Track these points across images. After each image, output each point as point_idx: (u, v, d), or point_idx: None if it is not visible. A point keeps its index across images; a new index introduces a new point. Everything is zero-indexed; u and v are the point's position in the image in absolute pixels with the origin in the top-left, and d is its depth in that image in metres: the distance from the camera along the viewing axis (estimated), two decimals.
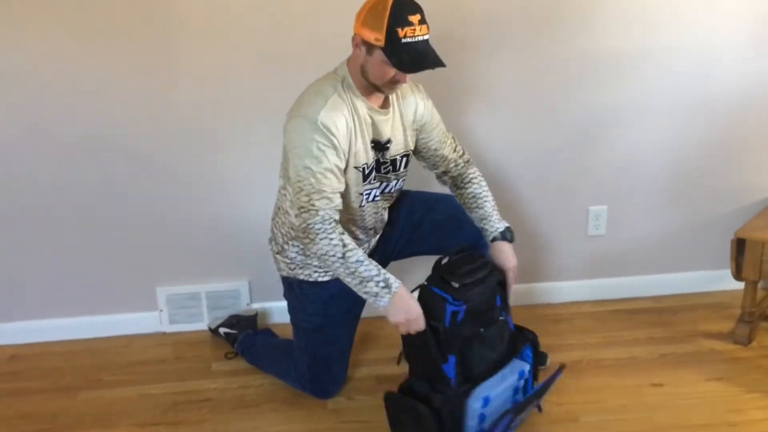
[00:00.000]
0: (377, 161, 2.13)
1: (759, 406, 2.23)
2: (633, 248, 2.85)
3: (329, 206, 1.99)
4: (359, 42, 1.96)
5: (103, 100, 2.48)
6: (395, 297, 1.97)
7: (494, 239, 2.22)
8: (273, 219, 2.30)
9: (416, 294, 2.05)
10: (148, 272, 2.71)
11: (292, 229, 2.16)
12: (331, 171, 1.99)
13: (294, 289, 2.28)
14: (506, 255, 2.21)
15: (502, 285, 2.17)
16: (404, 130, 2.18)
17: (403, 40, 1.89)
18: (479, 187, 2.27)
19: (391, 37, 1.89)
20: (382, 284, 1.97)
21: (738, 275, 2.54)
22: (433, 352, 2.00)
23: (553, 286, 2.87)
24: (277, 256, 2.29)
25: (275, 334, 2.63)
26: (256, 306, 2.78)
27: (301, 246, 2.18)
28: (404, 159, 2.21)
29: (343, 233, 2.00)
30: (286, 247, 2.24)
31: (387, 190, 2.21)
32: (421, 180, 2.41)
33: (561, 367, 2.12)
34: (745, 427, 2.15)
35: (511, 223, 2.83)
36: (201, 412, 2.31)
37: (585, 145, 2.70)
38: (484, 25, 2.52)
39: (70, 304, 2.72)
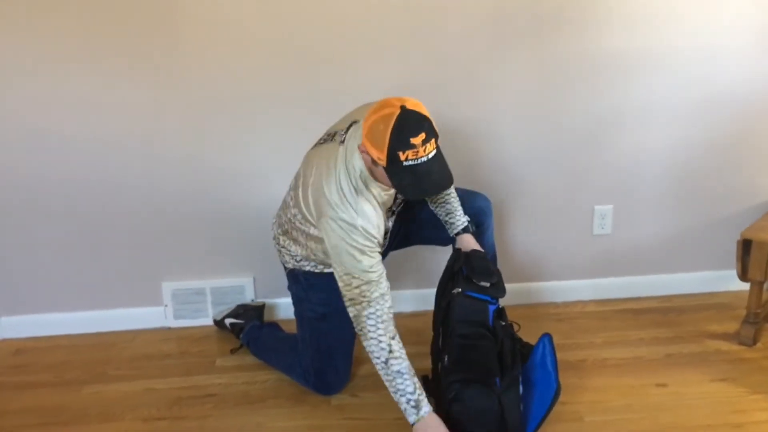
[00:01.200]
0: (392, 211, 2.16)
1: (763, 408, 2.22)
2: (638, 248, 2.85)
3: (380, 293, 1.99)
4: (365, 151, 1.90)
5: (108, 97, 2.48)
6: (421, 422, 1.97)
7: (460, 232, 2.26)
8: (279, 217, 2.31)
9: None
10: (153, 267, 2.72)
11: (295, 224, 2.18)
12: (377, 264, 2.00)
13: (300, 281, 2.29)
14: (474, 243, 2.25)
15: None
16: None
17: (405, 163, 1.82)
18: None
19: (393, 159, 1.83)
20: (413, 404, 1.98)
21: (744, 276, 2.53)
22: (492, 362, 2.00)
23: (558, 286, 2.87)
24: (282, 249, 2.31)
25: (281, 329, 2.63)
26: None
27: (302, 248, 2.22)
28: None
29: (393, 337, 2.01)
30: (287, 245, 2.27)
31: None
32: None
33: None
34: (749, 428, 2.14)
35: (515, 221, 2.83)
36: (205, 407, 2.31)
37: (590, 144, 2.70)
38: (488, 26, 2.51)
39: (75, 299, 2.72)
